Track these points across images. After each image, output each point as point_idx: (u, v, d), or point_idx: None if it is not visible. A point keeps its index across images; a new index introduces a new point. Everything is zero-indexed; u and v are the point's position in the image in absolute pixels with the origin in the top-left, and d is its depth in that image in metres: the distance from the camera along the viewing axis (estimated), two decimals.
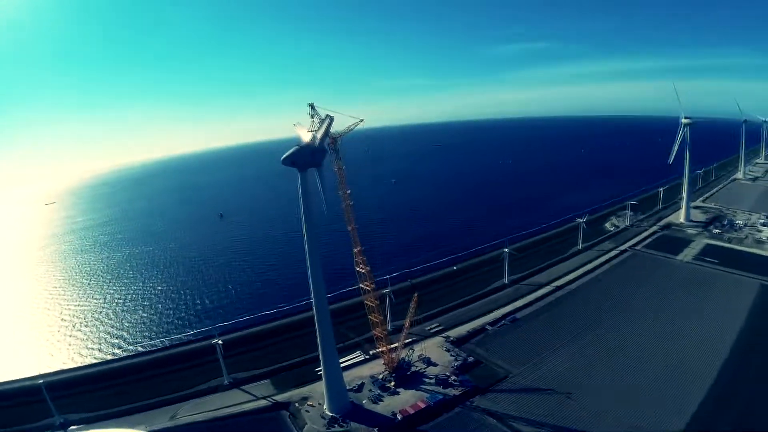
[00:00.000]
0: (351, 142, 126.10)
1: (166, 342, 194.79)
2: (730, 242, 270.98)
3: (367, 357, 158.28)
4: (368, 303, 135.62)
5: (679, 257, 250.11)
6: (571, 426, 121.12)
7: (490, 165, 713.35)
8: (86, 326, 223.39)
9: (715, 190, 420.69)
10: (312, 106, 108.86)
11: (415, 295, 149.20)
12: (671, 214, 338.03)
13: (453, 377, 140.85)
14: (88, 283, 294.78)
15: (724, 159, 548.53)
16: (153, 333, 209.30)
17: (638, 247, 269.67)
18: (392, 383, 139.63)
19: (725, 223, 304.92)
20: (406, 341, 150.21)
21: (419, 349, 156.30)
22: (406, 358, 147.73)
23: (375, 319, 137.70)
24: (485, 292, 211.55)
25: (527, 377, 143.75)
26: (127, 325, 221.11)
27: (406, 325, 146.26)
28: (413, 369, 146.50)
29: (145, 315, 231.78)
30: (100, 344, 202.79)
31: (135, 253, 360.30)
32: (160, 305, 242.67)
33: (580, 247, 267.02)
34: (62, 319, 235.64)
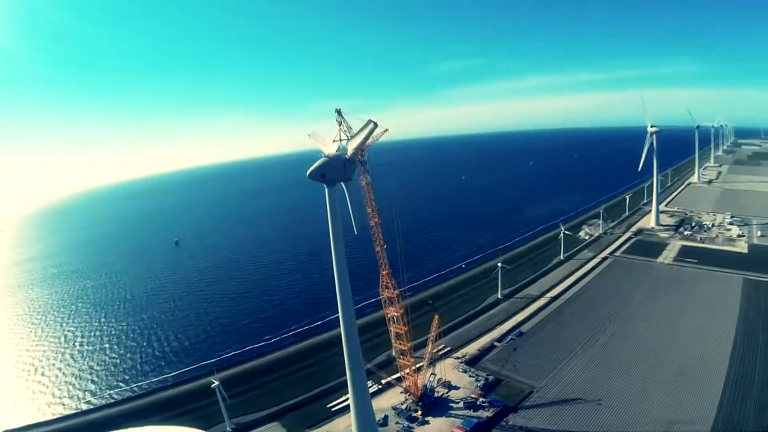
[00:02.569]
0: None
1: (144, 387, 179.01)
2: (703, 242, 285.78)
3: (380, 386, 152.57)
4: (396, 330, 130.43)
5: (659, 260, 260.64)
6: (613, 431, 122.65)
7: (445, 182, 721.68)
8: (47, 373, 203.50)
9: (674, 194, 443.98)
10: (339, 112, 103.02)
11: (436, 315, 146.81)
12: (640, 219, 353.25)
13: (481, 399, 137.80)
14: (42, 322, 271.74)
15: (676, 164, 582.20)
16: (125, 377, 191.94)
17: (617, 254, 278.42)
18: (419, 412, 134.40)
19: (693, 224, 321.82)
20: (419, 366, 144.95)
21: (437, 373, 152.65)
22: (428, 384, 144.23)
23: (403, 347, 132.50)
24: (482, 309, 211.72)
25: (552, 389, 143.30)
26: (94, 368, 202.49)
27: (429, 349, 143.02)
28: (436, 395, 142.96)
29: (113, 357, 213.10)
30: (67, 393, 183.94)
31: (89, 286, 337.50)
32: (127, 344, 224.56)
33: (562, 257, 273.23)
34: (17, 366, 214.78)
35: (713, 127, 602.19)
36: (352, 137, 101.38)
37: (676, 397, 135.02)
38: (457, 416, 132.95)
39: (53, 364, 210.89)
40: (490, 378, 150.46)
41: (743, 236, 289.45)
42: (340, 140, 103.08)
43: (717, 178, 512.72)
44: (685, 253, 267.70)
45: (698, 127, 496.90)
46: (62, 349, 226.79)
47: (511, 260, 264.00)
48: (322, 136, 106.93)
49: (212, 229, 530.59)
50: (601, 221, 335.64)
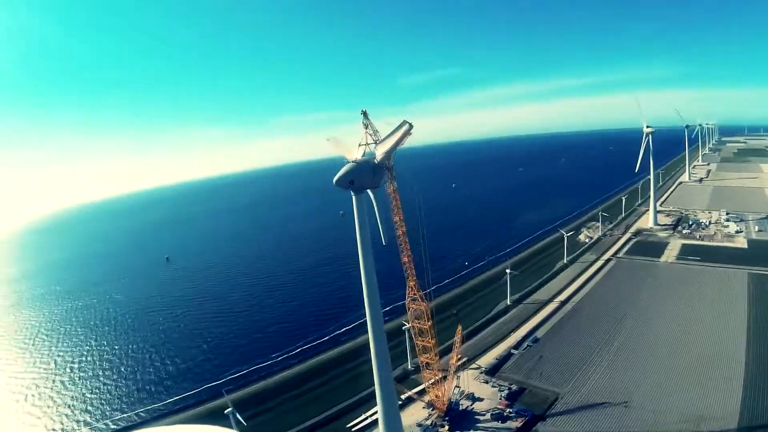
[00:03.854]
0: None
1: (143, 414, 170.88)
2: (702, 240, 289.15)
3: (400, 402, 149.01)
4: (424, 343, 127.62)
5: (663, 259, 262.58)
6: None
7: (437, 192, 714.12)
8: (38, 402, 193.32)
9: (667, 194, 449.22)
10: (365, 114, 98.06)
11: (459, 325, 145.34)
12: (637, 220, 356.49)
13: (508, 409, 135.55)
14: (30, 346, 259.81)
15: (664, 164, 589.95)
16: (122, 405, 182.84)
17: (620, 255, 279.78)
18: (446, 427, 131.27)
19: (691, 223, 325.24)
20: (435, 379, 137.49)
21: (460, 385, 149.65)
22: (452, 398, 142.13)
23: (430, 360, 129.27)
24: (493, 316, 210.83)
25: (577, 395, 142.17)
26: (88, 396, 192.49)
27: (453, 361, 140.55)
28: (461, 408, 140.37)
29: (108, 383, 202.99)
30: (61, 424, 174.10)
31: (79, 306, 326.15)
32: (121, 369, 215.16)
33: (566, 260, 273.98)
34: (5, 395, 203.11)
35: (699, 126, 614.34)
36: (383, 140, 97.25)
37: (700, 394, 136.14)
38: (485, 429, 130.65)
39: (44, 392, 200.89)
40: (513, 387, 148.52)
41: (741, 232, 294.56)
42: (366, 144, 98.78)
43: (707, 176, 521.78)
44: (686, 252, 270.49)
45: (687, 126, 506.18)
46: (53, 376, 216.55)
47: (515, 266, 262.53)
48: (342, 141, 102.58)
49: (203, 244, 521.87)
50: (599, 223, 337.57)
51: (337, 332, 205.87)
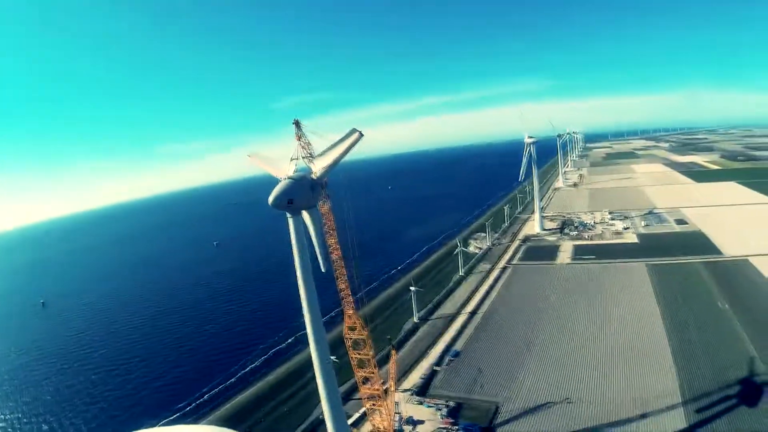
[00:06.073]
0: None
1: None
2: (592, 239, 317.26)
3: None
4: (366, 374, 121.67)
5: (558, 261, 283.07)
6: (594, 424, 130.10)
7: None
8: None
9: (545, 200, 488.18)
10: (297, 124, 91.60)
11: (393, 350, 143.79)
12: (521, 227, 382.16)
13: (455, 427, 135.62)
14: None
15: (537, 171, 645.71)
16: None
17: (514, 262, 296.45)
18: None
19: (576, 225, 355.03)
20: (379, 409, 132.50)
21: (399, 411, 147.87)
22: (395, 425, 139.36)
23: (375, 391, 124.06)
24: (404, 336, 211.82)
25: (517, 400, 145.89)
26: None
27: (392, 387, 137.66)
28: None
29: None
30: None
31: None
32: None
33: (462, 272, 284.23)
34: None
35: (568, 134, 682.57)
36: (324, 152, 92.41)
37: (636, 378, 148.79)
38: None
39: None
40: (451, 404, 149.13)
41: (629, 228, 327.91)
42: (301, 158, 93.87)
43: (580, 181, 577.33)
44: (580, 252, 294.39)
45: (559, 136, 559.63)
46: None
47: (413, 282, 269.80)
48: (267, 157, 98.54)
49: (80, 285, 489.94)
50: (487, 234, 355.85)
51: (246, 369, 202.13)
